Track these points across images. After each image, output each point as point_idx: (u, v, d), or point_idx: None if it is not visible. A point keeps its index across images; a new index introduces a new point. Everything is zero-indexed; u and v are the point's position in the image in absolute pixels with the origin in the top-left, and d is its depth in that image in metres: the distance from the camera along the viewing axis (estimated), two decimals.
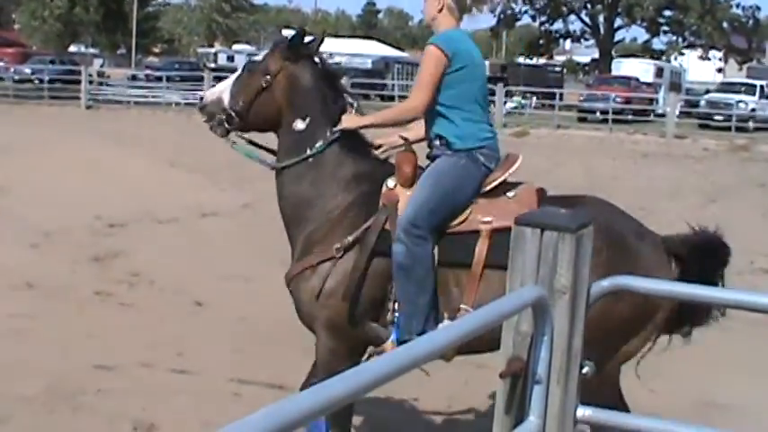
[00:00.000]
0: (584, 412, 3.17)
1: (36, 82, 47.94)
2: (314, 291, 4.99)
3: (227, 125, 5.38)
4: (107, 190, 15.93)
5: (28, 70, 51.30)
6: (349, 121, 5.23)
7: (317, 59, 5.36)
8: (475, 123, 5.05)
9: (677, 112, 36.58)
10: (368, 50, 77.42)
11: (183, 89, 44.32)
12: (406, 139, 5.19)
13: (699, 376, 7.47)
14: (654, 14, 57.46)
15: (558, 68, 64.35)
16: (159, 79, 47.21)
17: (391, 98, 42.87)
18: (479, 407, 6.70)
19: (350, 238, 4.94)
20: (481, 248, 4.76)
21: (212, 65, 55.12)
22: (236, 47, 78.76)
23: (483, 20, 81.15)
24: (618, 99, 39.53)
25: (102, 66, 71.58)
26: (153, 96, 44.44)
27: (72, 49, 76.96)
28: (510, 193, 4.89)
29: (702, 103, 40.72)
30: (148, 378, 6.56)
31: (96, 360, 7.31)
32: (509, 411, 3.10)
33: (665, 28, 60.09)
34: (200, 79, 41.40)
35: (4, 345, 7.72)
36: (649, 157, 26.89)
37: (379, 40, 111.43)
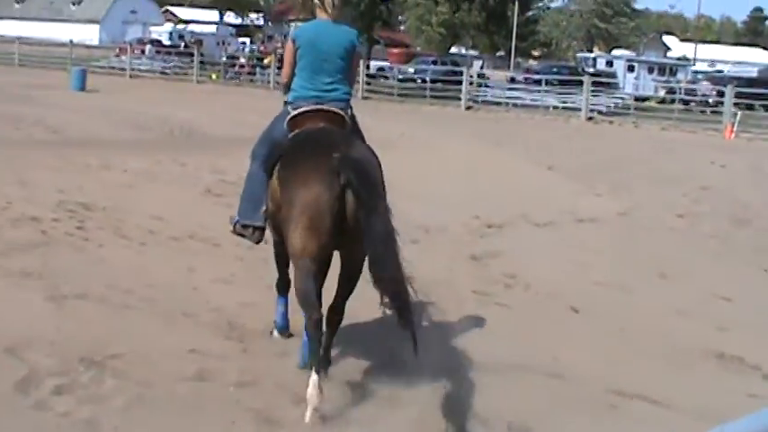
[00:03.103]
0: None
1: (419, 81, 49.97)
2: None
3: None
4: (485, 190, 16.24)
5: (411, 70, 53.78)
6: None
7: None
8: (302, 87, 6.79)
9: None
10: (754, 58, 74.26)
11: (562, 93, 44.40)
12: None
13: None
14: None
15: None
16: (538, 82, 47.61)
17: None
18: None
19: None
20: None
21: (591, 69, 54.83)
22: (615, 52, 77.99)
23: None
24: None
25: (481, 67, 73.34)
26: (531, 99, 44.86)
27: (453, 50, 79.43)
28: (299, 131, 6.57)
29: None
30: (524, 379, 6.59)
31: (478, 355, 7.37)
32: None
33: None
34: (580, 83, 41.21)
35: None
36: None
37: (765, 48, 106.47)
